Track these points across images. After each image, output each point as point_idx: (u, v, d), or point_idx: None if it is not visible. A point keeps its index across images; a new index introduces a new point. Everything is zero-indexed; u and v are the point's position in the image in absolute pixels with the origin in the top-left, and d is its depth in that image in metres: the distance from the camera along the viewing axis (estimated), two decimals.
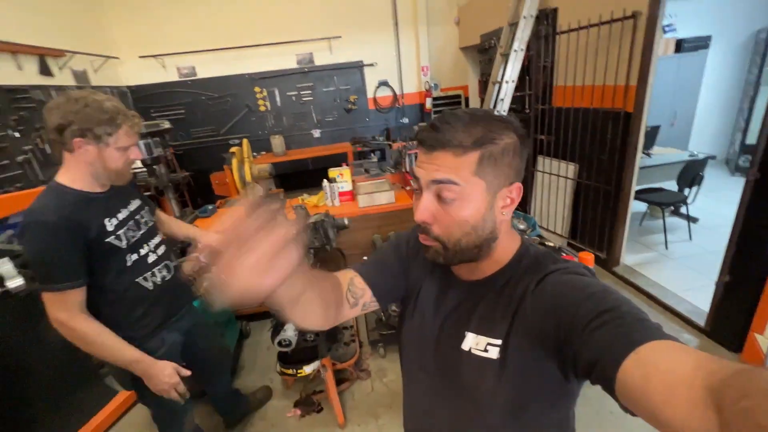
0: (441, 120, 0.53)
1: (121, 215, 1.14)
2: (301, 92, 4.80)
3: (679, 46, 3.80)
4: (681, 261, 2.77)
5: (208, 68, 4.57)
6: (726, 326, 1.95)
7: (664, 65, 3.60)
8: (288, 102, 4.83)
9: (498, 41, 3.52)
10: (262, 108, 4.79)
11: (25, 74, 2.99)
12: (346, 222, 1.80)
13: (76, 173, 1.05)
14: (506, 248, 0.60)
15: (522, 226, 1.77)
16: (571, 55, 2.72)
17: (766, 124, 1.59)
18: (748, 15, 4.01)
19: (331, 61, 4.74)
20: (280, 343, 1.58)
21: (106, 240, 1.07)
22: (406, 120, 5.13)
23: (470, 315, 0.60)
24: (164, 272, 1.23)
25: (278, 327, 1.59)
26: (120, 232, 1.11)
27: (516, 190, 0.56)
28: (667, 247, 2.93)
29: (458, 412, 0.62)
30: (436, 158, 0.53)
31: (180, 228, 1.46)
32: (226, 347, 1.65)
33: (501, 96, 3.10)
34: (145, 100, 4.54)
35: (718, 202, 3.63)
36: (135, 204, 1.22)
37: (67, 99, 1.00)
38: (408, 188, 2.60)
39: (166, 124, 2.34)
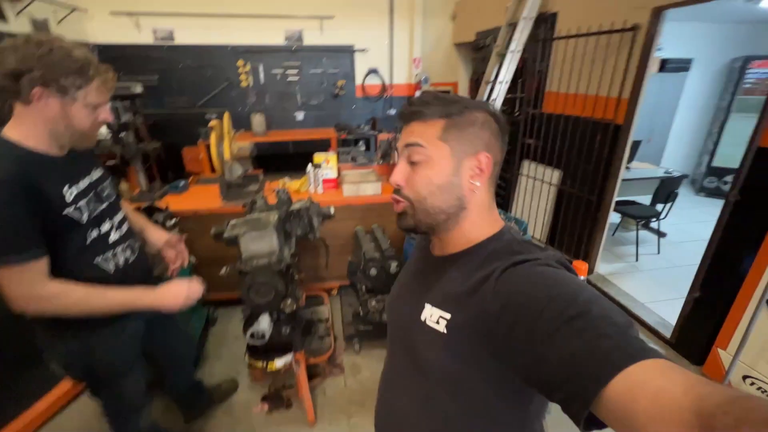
0: (416, 97, 0.60)
1: (83, 184, 0.99)
2: (287, 71, 4.58)
3: (663, 65, 3.93)
4: (649, 273, 2.88)
5: (188, 34, 4.25)
6: (691, 339, 2.03)
7: (648, 82, 3.71)
8: (272, 80, 4.60)
9: (494, 40, 3.49)
10: (244, 83, 4.53)
11: None
12: (331, 211, 1.70)
13: (31, 129, 0.89)
14: (480, 227, 0.60)
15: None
16: (566, 61, 2.72)
17: (750, 149, 1.64)
18: (726, 43, 4.20)
19: (321, 42, 4.54)
20: (252, 336, 1.47)
21: (64, 212, 0.92)
22: (393, 111, 5.03)
23: (431, 287, 0.62)
24: (128, 252, 1.09)
25: (251, 318, 1.48)
26: (81, 203, 0.96)
27: (484, 160, 0.58)
28: (637, 259, 3.04)
29: (415, 388, 0.63)
30: (409, 128, 0.59)
31: (136, 219, 1.29)
32: (189, 337, 1.53)
33: (493, 96, 3.07)
34: (114, 61, 3.98)
35: (684, 220, 3.82)
36: (97, 173, 1.07)
37: (26, 41, 0.84)
38: None
39: (138, 88, 2.13)
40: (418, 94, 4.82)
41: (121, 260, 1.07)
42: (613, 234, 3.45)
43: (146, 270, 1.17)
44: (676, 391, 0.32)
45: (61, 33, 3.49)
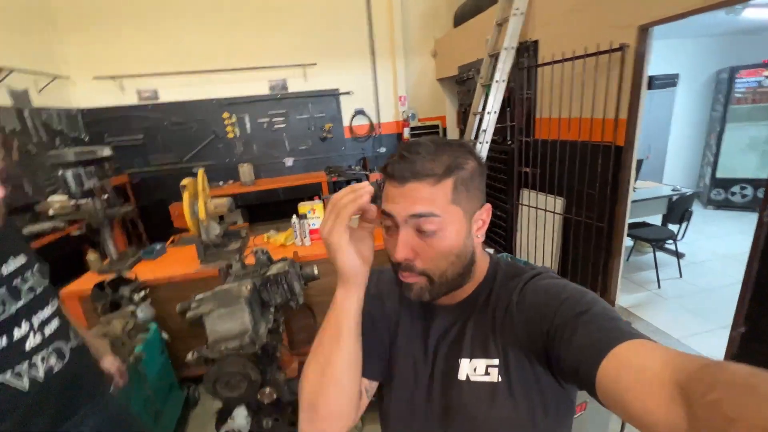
0: (407, 150, 0.51)
1: None
2: (273, 119, 4.56)
3: (651, 82, 3.89)
4: (676, 301, 2.63)
5: (172, 92, 4.26)
6: None
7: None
8: (259, 129, 4.56)
9: (477, 72, 3.45)
10: (231, 134, 4.49)
11: None
12: (315, 272, 1.50)
13: None
14: (481, 266, 0.59)
15: None
16: (555, 87, 2.64)
17: None
18: (709, 56, 4.22)
19: (305, 89, 4.55)
20: None
21: None
22: (383, 149, 4.97)
23: (460, 340, 0.57)
24: (52, 360, 0.87)
25: (224, 413, 1.23)
26: None
27: (486, 212, 0.56)
28: (659, 286, 2.80)
29: None
30: (410, 190, 0.50)
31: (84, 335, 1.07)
32: None
33: (483, 127, 2.97)
34: (98, 124, 4.14)
35: (699, 236, 3.60)
36: (17, 263, 0.88)
37: None
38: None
39: (106, 151, 1.99)
40: (406, 133, 4.80)
41: (41, 372, 0.84)
42: (627, 259, 3.22)
43: (79, 381, 0.93)
44: (656, 366, 0.34)
45: (43, 100, 3.49)
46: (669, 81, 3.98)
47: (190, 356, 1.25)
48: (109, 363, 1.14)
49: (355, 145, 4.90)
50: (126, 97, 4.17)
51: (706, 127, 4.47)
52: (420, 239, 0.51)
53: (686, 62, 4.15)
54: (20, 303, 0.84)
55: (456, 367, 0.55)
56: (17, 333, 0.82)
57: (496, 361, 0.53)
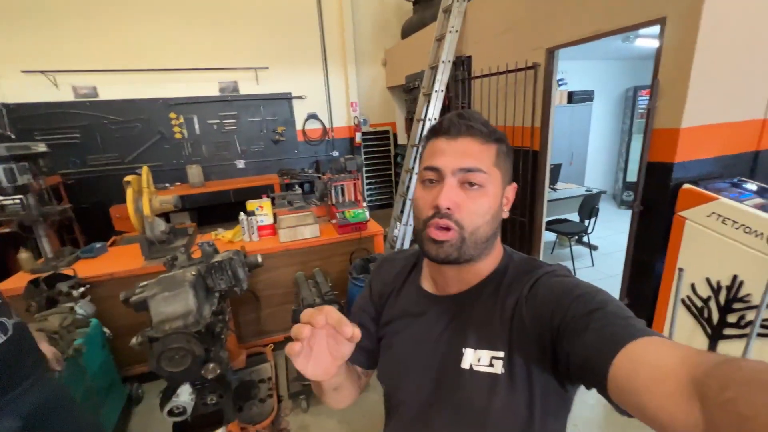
0: (463, 112, 0.56)
1: None
2: (224, 121, 4.53)
3: (570, 97, 4.42)
4: None
5: (113, 89, 4.10)
6: None
7: (561, 112, 4.14)
8: (208, 130, 4.51)
9: (421, 82, 3.74)
10: (178, 135, 4.40)
11: None
12: (259, 260, 1.61)
13: None
14: (495, 254, 0.59)
15: None
16: (484, 97, 2.96)
17: (642, 165, 1.83)
18: (618, 76, 4.87)
19: (257, 91, 4.59)
20: (171, 412, 1.30)
21: None
22: (336, 153, 5.11)
23: (465, 329, 0.57)
24: None
25: (169, 391, 1.31)
26: None
27: (512, 190, 0.59)
28: (575, 273, 3.19)
29: None
30: (462, 144, 0.54)
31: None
32: (95, 427, 1.30)
33: (425, 133, 3.23)
34: (26, 120, 3.88)
35: (611, 231, 4.14)
36: None
37: None
38: (334, 221, 2.48)
39: (41, 147, 1.95)
40: (358, 138, 4.99)
41: None
42: (552, 252, 3.64)
43: (20, 352, 0.99)
44: (673, 364, 0.34)
45: None
46: (586, 96, 4.55)
47: (134, 340, 1.31)
48: (45, 349, 1.17)
49: (309, 148, 5.00)
50: (60, 93, 3.95)
51: (618, 137, 5.13)
52: (464, 192, 0.53)
53: (600, 81, 4.77)
54: None
55: (460, 356, 0.55)
56: None
57: (501, 354, 0.53)
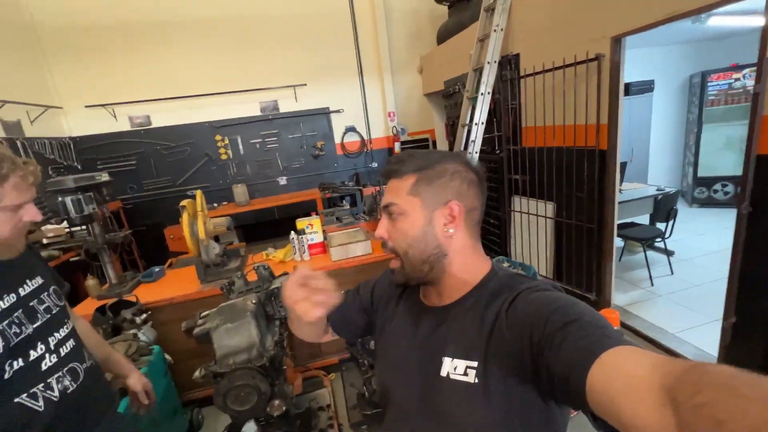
0: (395, 157, 0.66)
1: (3, 304, 0.81)
2: (266, 139, 4.63)
3: (627, 89, 4.06)
4: (669, 298, 2.69)
5: (164, 117, 4.32)
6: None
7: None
8: (251, 150, 4.62)
9: (462, 86, 3.58)
10: (224, 156, 4.54)
11: None
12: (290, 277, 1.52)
13: None
14: (471, 269, 0.63)
15: None
16: (537, 96, 2.75)
17: (748, 159, 1.56)
18: (681, 62, 4.43)
19: (296, 108, 4.65)
20: None
21: None
22: (375, 164, 5.05)
23: (445, 339, 0.60)
24: (67, 381, 0.88)
25: (234, 428, 1.23)
26: None
27: (456, 208, 0.61)
28: (652, 284, 2.86)
29: None
30: (389, 186, 0.65)
31: (97, 347, 1.08)
32: None
33: (472, 137, 3.07)
34: (90, 151, 4.16)
35: (687, 234, 3.70)
36: (34, 284, 0.90)
37: None
38: None
39: (104, 177, 2.02)
40: (397, 147, 4.91)
41: (56, 392, 0.85)
42: (620, 259, 3.30)
43: (91, 401, 0.94)
44: (645, 371, 0.35)
45: (35, 130, 3.52)
46: (645, 87, 4.16)
47: (197, 373, 1.26)
48: (135, 381, 1.13)
49: (348, 161, 4.98)
50: (118, 124, 4.21)
51: (684, 128, 4.65)
52: (390, 224, 0.64)
53: (660, 69, 4.36)
54: (36, 324, 0.86)
55: (439, 364, 0.58)
56: (33, 354, 0.83)
57: (474, 364, 0.55)
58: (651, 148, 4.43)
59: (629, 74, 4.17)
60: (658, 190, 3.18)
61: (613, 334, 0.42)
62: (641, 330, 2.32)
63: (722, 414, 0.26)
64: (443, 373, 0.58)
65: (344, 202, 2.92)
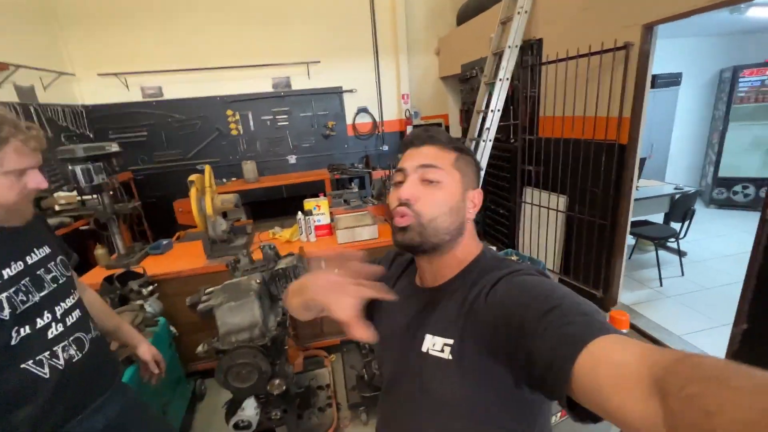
0: (426, 128, 0.66)
1: (10, 271, 0.81)
2: (277, 117, 4.57)
3: (654, 81, 3.89)
4: (678, 299, 2.64)
5: (176, 89, 4.28)
6: None
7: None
8: (262, 126, 4.58)
9: (480, 71, 3.46)
10: (234, 132, 4.51)
11: None
12: (322, 265, 1.51)
13: None
14: (468, 252, 0.64)
15: None
16: (558, 85, 2.65)
17: None
18: (712, 55, 4.21)
19: (308, 86, 4.56)
20: (236, 425, 1.24)
21: None
22: (386, 147, 4.98)
23: (429, 317, 0.62)
24: (72, 350, 0.89)
25: (234, 404, 1.25)
26: (1, 296, 0.78)
27: (478, 196, 0.66)
28: (661, 284, 2.81)
29: (418, 418, 0.61)
30: (423, 150, 0.63)
31: (107, 317, 1.09)
32: (168, 428, 1.28)
33: (486, 125, 2.98)
34: (102, 120, 4.16)
35: (702, 235, 3.61)
36: (41, 253, 0.90)
37: None
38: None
39: (114, 147, 2.01)
40: (410, 129, 4.82)
41: (62, 361, 0.86)
42: (630, 257, 3.23)
43: (99, 366, 0.96)
44: (633, 361, 0.34)
45: (48, 97, 3.52)
46: (672, 80, 3.98)
47: (200, 348, 1.27)
48: (145, 350, 1.15)
49: (358, 142, 4.92)
50: (130, 94, 4.19)
51: (708, 126, 4.47)
52: (423, 187, 0.61)
53: (689, 61, 4.16)
54: (43, 293, 0.86)
55: (422, 340, 0.60)
56: (40, 322, 0.84)
57: (450, 341, 0.56)
58: (672, 145, 4.28)
59: (656, 65, 4.01)
60: (675, 188, 3.09)
61: (599, 322, 0.42)
62: (646, 330, 2.29)
63: (712, 405, 0.26)
64: (423, 349, 0.60)
65: (353, 184, 2.88)
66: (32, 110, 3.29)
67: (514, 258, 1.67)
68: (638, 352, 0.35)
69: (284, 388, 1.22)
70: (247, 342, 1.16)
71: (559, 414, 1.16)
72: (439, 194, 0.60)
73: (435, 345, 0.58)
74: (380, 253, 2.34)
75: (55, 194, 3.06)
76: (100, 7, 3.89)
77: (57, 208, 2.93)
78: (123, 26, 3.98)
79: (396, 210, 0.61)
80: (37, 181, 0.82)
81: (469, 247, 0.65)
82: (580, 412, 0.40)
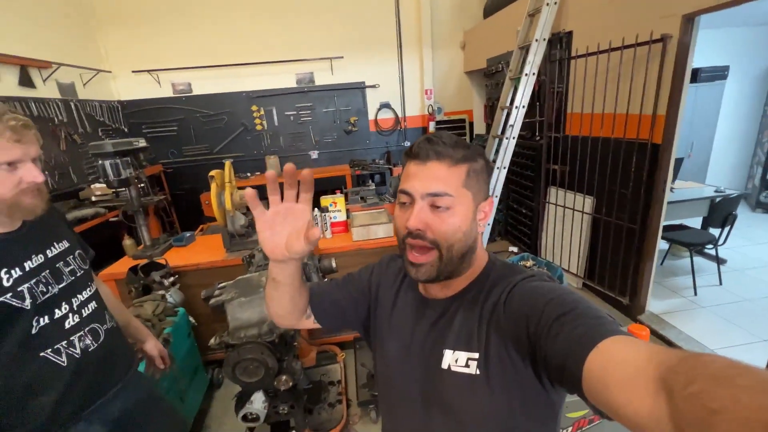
0: (432, 136, 0.59)
1: (31, 263, 0.86)
2: (300, 112, 4.63)
3: (696, 75, 3.63)
4: (713, 310, 2.47)
5: (204, 85, 4.41)
6: None
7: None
8: (286, 121, 4.65)
9: (506, 65, 3.35)
10: (259, 127, 4.60)
11: (2, 84, 2.80)
12: (333, 265, 1.52)
13: None
14: (478, 262, 0.63)
15: None
16: (588, 80, 2.51)
17: None
18: (764, 47, 3.87)
19: (331, 81, 4.58)
20: (245, 418, 1.27)
21: (0, 299, 0.79)
22: (407, 143, 4.93)
23: (446, 331, 0.60)
24: (88, 340, 0.93)
25: (243, 397, 1.28)
26: (23, 287, 0.82)
27: (488, 205, 0.62)
28: (696, 293, 2.64)
29: None
30: (429, 168, 0.57)
31: (118, 313, 1.12)
32: (181, 425, 1.32)
33: (510, 122, 2.89)
34: (137, 115, 4.36)
35: (744, 241, 3.36)
36: (60, 247, 0.94)
37: None
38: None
39: (141, 143, 2.10)
40: (431, 127, 4.75)
41: (78, 350, 0.91)
42: (662, 263, 3.06)
43: (113, 356, 1.00)
44: (640, 361, 0.35)
45: (87, 93, 3.71)
46: (718, 73, 3.69)
47: (213, 341, 1.31)
48: (152, 346, 1.21)
49: (380, 138, 4.90)
50: (162, 90, 4.36)
51: (758, 123, 4.13)
52: (433, 214, 0.56)
53: (738, 53, 3.84)
54: (62, 285, 0.91)
55: (440, 357, 0.59)
56: (58, 313, 0.89)
57: (476, 355, 0.55)
58: (715, 144, 3.98)
59: (699, 58, 3.73)
60: (716, 191, 2.87)
61: (609, 324, 0.42)
62: (675, 342, 2.16)
63: (715, 403, 0.26)
64: (444, 366, 0.58)
65: (371, 182, 2.87)
66: (72, 106, 3.48)
67: (530, 263, 1.61)
68: (645, 351, 0.35)
69: (291, 384, 1.24)
70: (255, 338, 1.18)
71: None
72: (452, 221, 0.56)
73: (458, 360, 0.57)
74: (395, 251, 2.31)
75: (92, 185, 3.25)
76: (135, 8, 4.07)
77: (93, 198, 3.10)
78: (155, 26, 4.14)
79: (408, 241, 0.58)
80: (33, 174, 0.80)
81: (479, 258, 0.63)
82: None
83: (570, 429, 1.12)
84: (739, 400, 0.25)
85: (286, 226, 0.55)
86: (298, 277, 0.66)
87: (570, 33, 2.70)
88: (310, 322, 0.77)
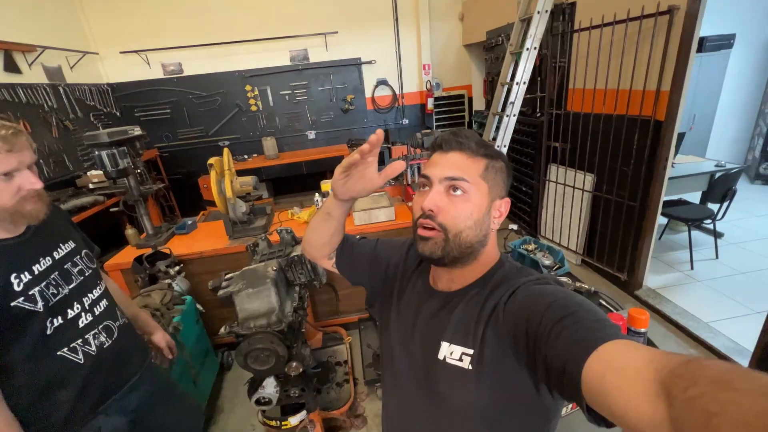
0: (457, 130, 0.63)
1: (40, 267, 0.87)
2: (295, 91, 4.52)
3: (701, 44, 3.52)
4: (709, 284, 2.52)
5: (195, 65, 4.28)
6: None
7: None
8: (281, 101, 4.55)
9: (507, 38, 3.25)
10: (254, 108, 4.51)
11: None
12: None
13: None
14: (487, 260, 0.64)
15: (547, 261, 1.50)
16: (591, 54, 2.45)
17: None
18: None
19: (326, 59, 4.45)
20: (258, 402, 1.32)
21: (12, 304, 0.80)
22: (406, 121, 4.86)
23: (445, 324, 0.62)
24: (102, 337, 0.95)
25: (255, 382, 1.33)
26: (34, 290, 0.84)
27: (505, 205, 0.64)
28: (692, 267, 2.68)
29: (435, 424, 0.63)
30: (451, 157, 0.61)
31: (126, 306, 1.13)
32: (196, 409, 1.37)
33: (511, 99, 2.83)
34: (128, 98, 4.25)
35: (743, 214, 3.38)
36: (66, 248, 0.95)
37: None
38: (410, 203, 2.33)
39: (137, 131, 2.06)
40: (430, 104, 4.65)
41: (94, 347, 0.93)
42: (660, 237, 3.09)
43: (128, 351, 1.03)
44: (640, 364, 0.35)
45: (75, 76, 3.60)
46: (724, 42, 3.59)
47: (222, 330, 1.34)
48: (160, 338, 1.24)
49: (378, 116, 4.82)
50: (152, 71, 4.23)
51: (761, 93, 4.06)
52: (447, 198, 0.59)
53: (746, 20, 3.71)
54: (72, 285, 0.92)
55: (437, 347, 0.61)
56: (70, 313, 0.90)
57: (470, 351, 0.57)
58: (717, 116, 3.93)
59: (704, 26, 3.61)
60: (716, 165, 2.87)
61: (611, 327, 0.43)
62: (671, 316, 2.22)
63: (715, 406, 0.26)
64: (440, 356, 0.60)
65: None
66: (61, 91, 3.39)
67: (531, 246, 1.63)
68: (645, 355, 0.36)
69: (300, 369, 1.28)
70: (264, 328, 1.21)
71: (570, 406, 1.16)
72: (464, 207, 0.59)
73: (453, 353, 0.59)
74: (397, 235, 2.32)
75: (89, 173, 3.21)
76: None
77: (90, 186, 3.08)
78: (142, 2, 3.95)
79: (420, 221, 0.61)
80: (30, 182, 0.80)
81: (489, 256, 0.64)
82: (596, 416, 0.40)
83: (569, 407, 1.18)
84: (739, 404, 0.26)
85: (358, 180, 0.67)
86: (345, 217, 0.77)
87: (573, 4, 2.60)
88: (329, 264, 0.86)
